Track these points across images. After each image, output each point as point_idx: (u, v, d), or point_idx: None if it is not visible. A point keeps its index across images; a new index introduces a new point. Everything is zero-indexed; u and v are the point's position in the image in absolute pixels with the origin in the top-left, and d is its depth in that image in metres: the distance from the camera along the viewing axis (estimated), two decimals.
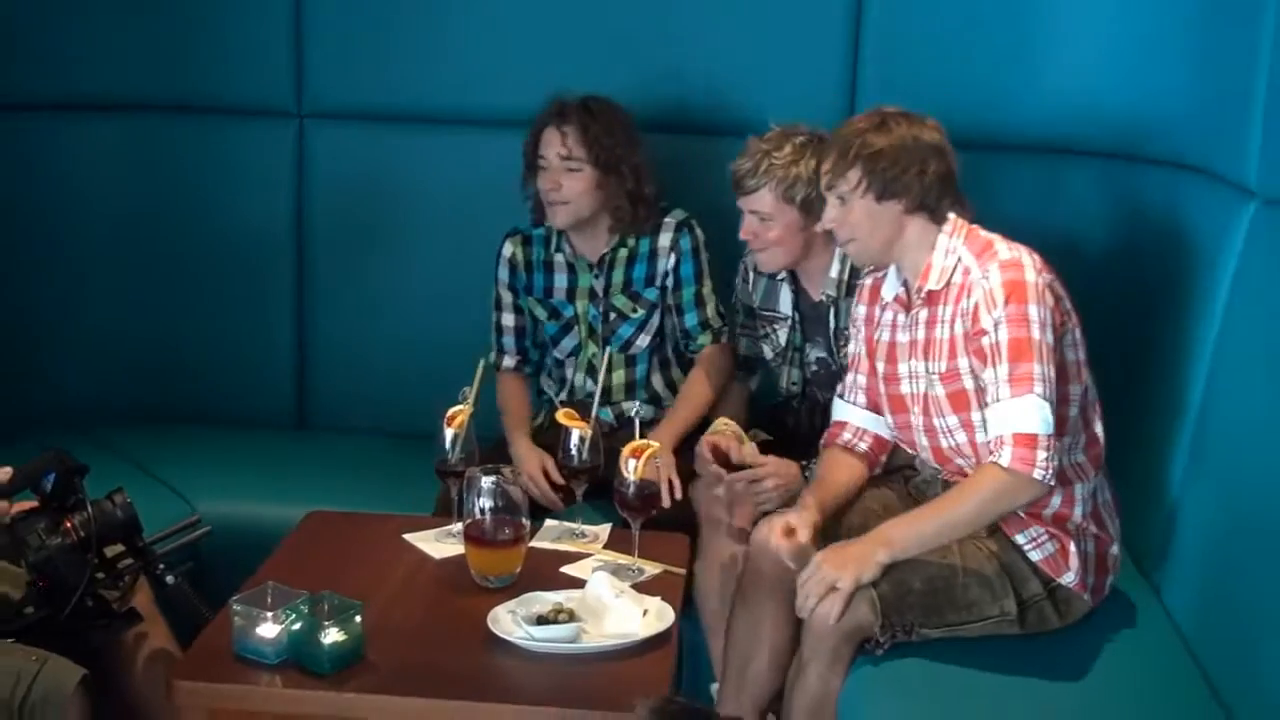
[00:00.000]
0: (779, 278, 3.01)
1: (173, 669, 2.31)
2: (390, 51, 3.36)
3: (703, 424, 2.94)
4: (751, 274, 3.06)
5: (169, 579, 2.36)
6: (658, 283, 3.07)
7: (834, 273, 2.91)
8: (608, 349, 2.94)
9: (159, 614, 2.49)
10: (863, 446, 2.66)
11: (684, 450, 2.89)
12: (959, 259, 2.45)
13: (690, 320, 3.06)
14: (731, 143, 3.07)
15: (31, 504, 2.33)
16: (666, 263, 3.05)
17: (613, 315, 3.08)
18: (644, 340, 3.10)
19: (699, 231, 3.06)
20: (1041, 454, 2.33)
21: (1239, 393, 2.47)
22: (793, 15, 3.23)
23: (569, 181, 2.95)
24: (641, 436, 2.54)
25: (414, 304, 3.46)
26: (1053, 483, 2.36)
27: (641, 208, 3.02)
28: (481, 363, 2.61)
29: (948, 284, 2.46)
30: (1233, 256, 2.57)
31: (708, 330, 3.07)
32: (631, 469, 2.44)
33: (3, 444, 2.74)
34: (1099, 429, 2.54)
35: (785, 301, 3.02)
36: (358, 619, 2.15)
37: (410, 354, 3.43)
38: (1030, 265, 2.40)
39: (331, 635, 2.11)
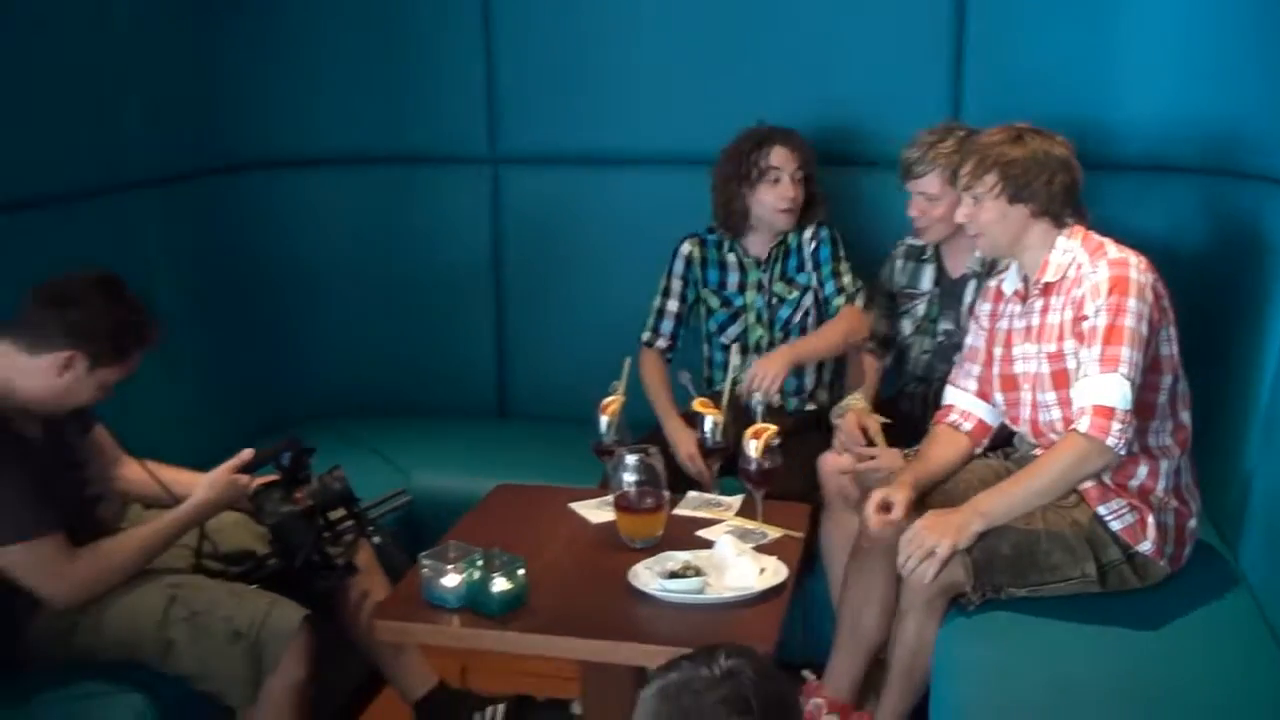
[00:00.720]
0: (924, 258, 3.00)
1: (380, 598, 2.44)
2: (567, 104, 3.43)
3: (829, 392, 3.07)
4: (899, 261, 3.05)
5: (376, 539, 2.49)
6: (806, 267, 3.12)
7: (979, 252, 2.86)
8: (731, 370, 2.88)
9: (378, 567, 2.59)
10: (967, 426, 2.64)
11: (808, 435, 2.93)
12: (1074, 257, 2.42)
13: (828, 289, 3.10)
14: (859, 171, 3.15)
15: (273, 477, 2.49)
16: (809, 249, 3.11)
17: (775, 300, 3.12)
18: (797, 318, 3.13)
19: (832, 230, 3.11)
20: (1116, 425, 2.28)
21: None
22: (901, 52, 3.21)
23: (797, 190, 3.03)
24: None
25: (591, 313, 3.50)
26: (1124, 452, 2.31)
27: (817, 209, 3.12)
28: (628, 361, 2.66)
29: (1062, 277, 2.43)
30: None
31: (842, 294, 3.08)
32: (752, 448, 2.46)
33: (265, 432, 2.93)
34: (1186, 418, 2.47)
35: (927, 279, 3.01)
36: (521, 571, 2.19)
37: (589, 353, 3.35)
38: (1135, 265, 2.36)
39: (499, 584, 2.16)
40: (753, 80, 3.31)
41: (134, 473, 2.51)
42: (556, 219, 3.53)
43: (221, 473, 2.40)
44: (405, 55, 3.49)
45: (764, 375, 2.86)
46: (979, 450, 2.66)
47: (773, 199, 3.03)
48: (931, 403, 2.95)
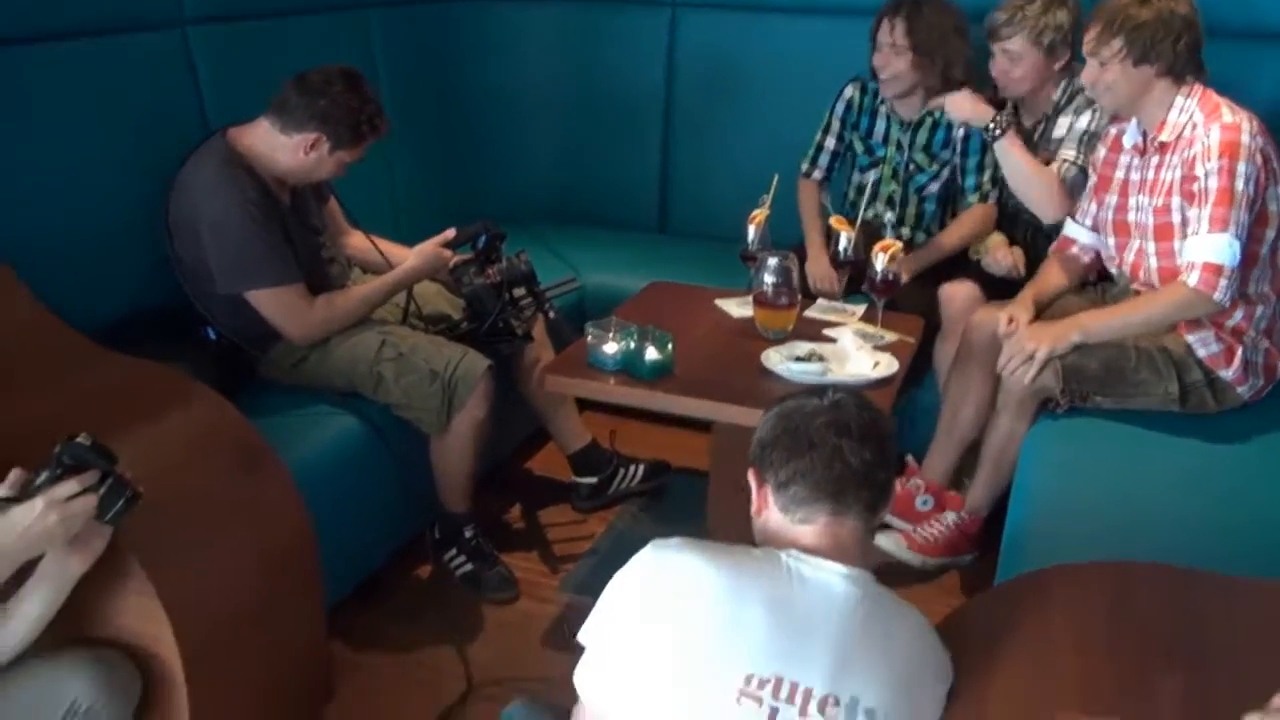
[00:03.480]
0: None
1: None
2: None
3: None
4: None
5: (551, 314, 2.59)
6: (953, 148, 3.00)
7: (1055, 95, 2.79)
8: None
9: (548, 342, 2.71)
10: (1085, 260, 2.61)
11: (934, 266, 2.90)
12: (1190, 117, 2.31)
13: (969, 182, 2.99)
14: None
15: (469, 256, 2.62)
16: (959, 133, 2.98)
17: (912, 166, 3.04)
18: (934, 187, 3.05)
19: None
20: (1223, 281, 2.23)
21: None
22: None
23: (894, 61, 2.88)
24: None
25: (747, 142, 3.46)
26: (1227, 304, 2.25)
27: (951, 89, 2.90)
28: (775, 178, 2.63)
29: (1178, 137, 2.33)
30: None
31: (978, 192, 2.97)
32: (880, 261, 2.46)
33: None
34: None
35: None
36: (670, 345, 2.25)
37: (739, 183, 3.24)
38: (1247, 129, 2.25)
39: (651, 354, 2.23)
40: None
41: (358, 241, 2.66)
42: (724, 59, 3.47)
43: (430, 245, 2.53)
44: None
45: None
46: (1091, 277, 2.62)
47: (876, 65, 2.93)
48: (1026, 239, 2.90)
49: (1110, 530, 2.03)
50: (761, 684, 1.34)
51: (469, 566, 2.56)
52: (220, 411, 2.07)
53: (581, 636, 1.49)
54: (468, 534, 2.57)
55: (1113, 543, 1.98)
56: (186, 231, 2.33)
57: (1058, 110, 2.78)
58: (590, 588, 2.55)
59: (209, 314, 2.40)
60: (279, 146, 2.34)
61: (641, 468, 2.92)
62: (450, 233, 2.55)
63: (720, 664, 1.35)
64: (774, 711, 1.34)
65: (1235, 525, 2.04)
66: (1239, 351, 2.35)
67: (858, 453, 1.46)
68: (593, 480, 2.85)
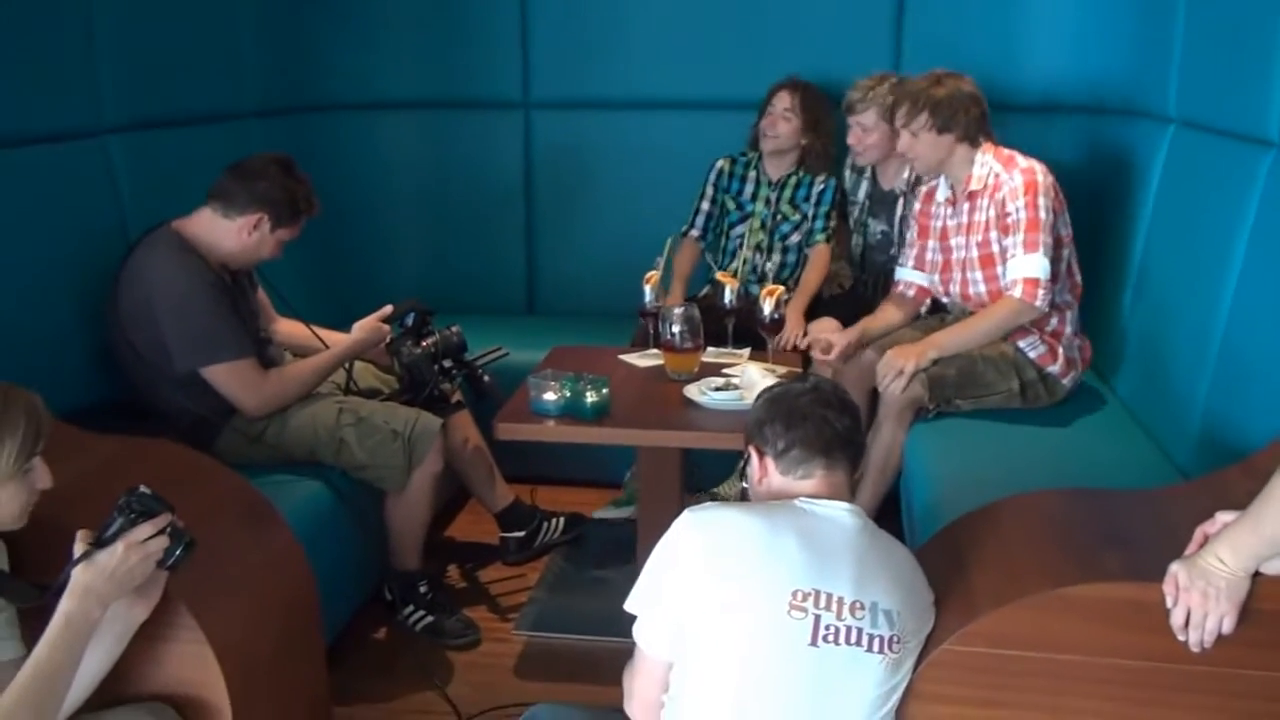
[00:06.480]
0: (865, 175, 3.50)
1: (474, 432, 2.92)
2: (589, 57, 3.81)
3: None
4: (847, 172, 3.57)
5: (486, 379, 2.89)
6: (810, 202, 3.54)
7: (905, 174, 3.40)
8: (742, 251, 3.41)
9: (469, 414, 3.01)
10: (910, 294, 3.15)
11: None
12: (991, 168, 2.90)
13: (819, 225, 3.54)
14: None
15: (403, 330, 2.86)
16: (816, 191, 3.54)
17: (779, 216, 3.57)
18: (795, 237, 3.58)
19: (838, 183, 3.56)
20: (1041, 291, 2.80)
21: (1159, 257, 2.93)
22: (857, 25, 3.70)
23: (782, 125, 3.47)
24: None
25: (603, 230, 3.90)
26: (1046, 309, 2.84)
27: (821, 157, 3.53)
28: (669, 240, 3.08)
29: (984, 186, 2.91)
30: (1159, 169, 3.01)
31: (825, 232, 3.54)
32: (768, 304, 2.95)
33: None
34: (1079, 278, 2.99)
35: (862, 191, 3.52)
36: (606, 389, 2.60)
37: (599, 263, 3.87)
38: (1040, 170, 2.86)
39: (591, 395, 2.58)
40: (742, 40, 3.74)
41: (286, 327, 2.89)
42: (576, 154, 3.91)
43: (370, 320, 2.80)
44: (453, 16, 3.84)
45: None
46: (923, 309, 3.18)
47: (765, 127, 3.52)
48: (880, 286, 3.47)
49: (992, 493, 2.49)
50: (805, 596, 1.69)
51: (430, 619, 2.77)
52: (219, 470, 2.25)
53: (631, 605, 1.79)
54: (423, 589, 2.78)
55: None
56: (141, 318, 2.50)
57: (914, 186, 3.35)
58: (545, 625, 2.86)
59: (158, 401, 2.55)
60: (223, 231, 2.56)
61: (562, 520, 3.21)
62: (388, 309, 2.83)
63: (770, 585, 1.70)
64: (817, 619, 1.69)
65: (1075, 477, 2.52)
66: (1060, 350, 2.94)
67: (839, 419, 1.86)
68: (520, 534, 3.12)
